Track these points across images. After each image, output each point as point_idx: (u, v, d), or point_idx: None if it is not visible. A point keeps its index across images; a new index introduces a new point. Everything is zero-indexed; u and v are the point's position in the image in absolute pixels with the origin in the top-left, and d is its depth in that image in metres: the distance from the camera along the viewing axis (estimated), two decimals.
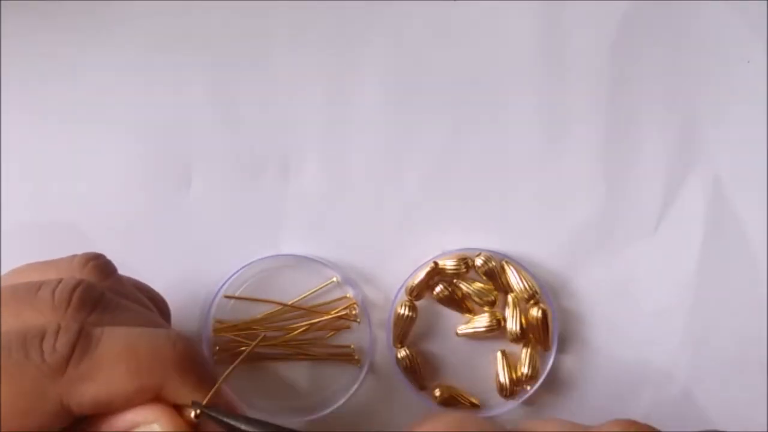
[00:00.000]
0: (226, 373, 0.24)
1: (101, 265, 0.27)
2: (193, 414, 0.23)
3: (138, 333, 0.23)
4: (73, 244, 0.31)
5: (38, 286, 0.23)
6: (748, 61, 0.37)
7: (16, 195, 0.35)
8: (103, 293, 0.24)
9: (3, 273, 0.28)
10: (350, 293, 0.35)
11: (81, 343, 0.22)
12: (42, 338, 0.21)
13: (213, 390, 0.23)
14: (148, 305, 0.28)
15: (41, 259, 0.28)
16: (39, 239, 0.34)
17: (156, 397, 0.22)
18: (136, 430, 0.22)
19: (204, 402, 0.23)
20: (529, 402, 0.36)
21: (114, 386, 0.22)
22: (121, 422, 0.22)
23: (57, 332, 0.22)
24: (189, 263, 0.35)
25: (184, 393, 0.23)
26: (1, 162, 0.35)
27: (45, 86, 0.35)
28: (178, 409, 0.23)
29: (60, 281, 0.24)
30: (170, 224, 0.35)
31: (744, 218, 0.36)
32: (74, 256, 0.27)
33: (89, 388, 0.21)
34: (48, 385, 0.21)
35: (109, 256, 0.29)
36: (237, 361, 0.27)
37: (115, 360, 0.22)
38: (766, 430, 0.36)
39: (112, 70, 0.35)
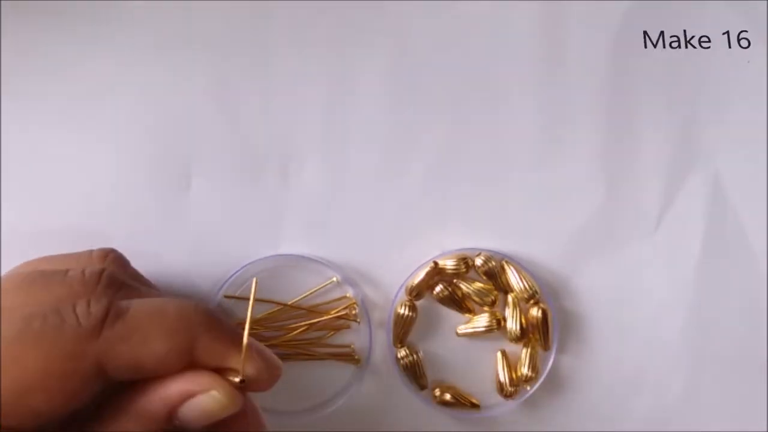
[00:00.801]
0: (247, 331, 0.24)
1: (119, 257, 0.29)
2: (238, 380, 0.23)
3: (163, 300, 0.24)
4: (73, 244, 0.31)
5: (66, 271, 0.25)
6: (748, 61, 0.37)
7: (15, 195, 0.35)
8: (124, 280, 0.26)
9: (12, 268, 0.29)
10: (350, 293, 0.35)
11: (113, 309, 0.23)
12: (75, 306, 0.22)
13: (244, 346, 0.23)
14: (161, 294, 0.30)
15: None
16: (39, 239, 0.34)
17: (192, 365, 0.23)
18: (195, 399, 0.23)
19: (242, 359, 0.23)
20: (529, 402, 0.36)
21: (148, 347, 0.22)
22: (173, 392, 0.23)
23: (89, 302, 0.23)
24: (189, 263, 0.35)
25: (217, 352, 0.23)
26: (0, 162, 0.35)
27: (45, 85, 0.35)
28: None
29: (85, 268, 0.25)
30: (170, 224, 0.35)
31: (744, 218, 0.36)
32: (91, 250, 0.29)
33: (124, 349, 0.22)
34: (86, 347, 0.22)
35: None
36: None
37: (146, 322, 0.23)
38: (766, 430, 0.36)
39: (112, 70, 0.35)
